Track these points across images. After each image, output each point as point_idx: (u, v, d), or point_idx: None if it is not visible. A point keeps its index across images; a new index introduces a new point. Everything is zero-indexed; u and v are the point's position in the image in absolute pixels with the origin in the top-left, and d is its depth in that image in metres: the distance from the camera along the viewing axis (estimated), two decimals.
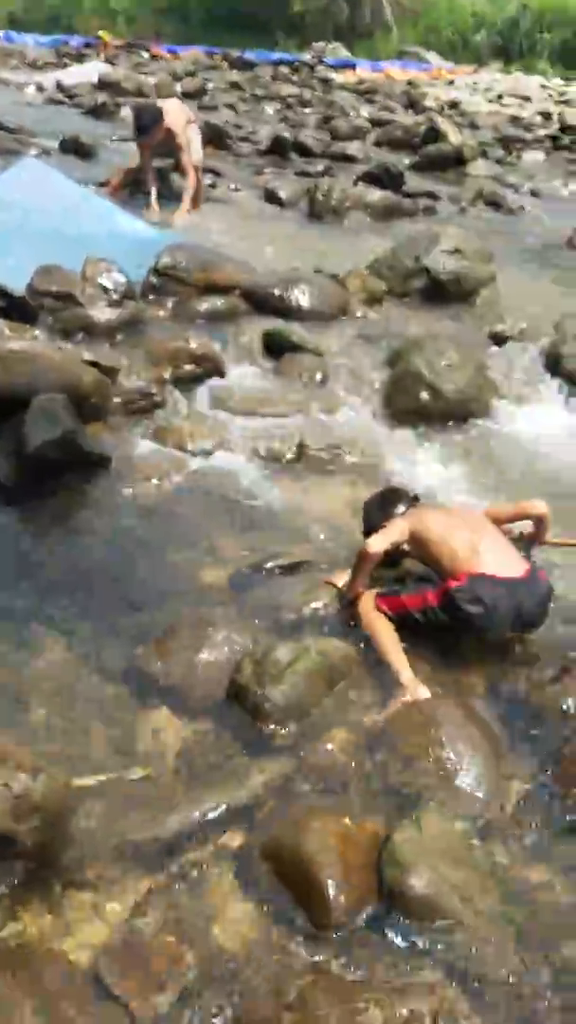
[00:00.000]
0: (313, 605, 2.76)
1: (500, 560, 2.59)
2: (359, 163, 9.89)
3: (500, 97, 18.44)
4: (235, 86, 16.16)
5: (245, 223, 7.06)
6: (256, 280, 5.09)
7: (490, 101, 17.78)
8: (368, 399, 4.29)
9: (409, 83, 19.16)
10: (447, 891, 1.87)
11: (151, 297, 4.84)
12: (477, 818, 2.11)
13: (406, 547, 2.76)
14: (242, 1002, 1.68)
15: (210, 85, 15.23)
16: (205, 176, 7.53)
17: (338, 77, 19.33)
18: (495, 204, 8.87)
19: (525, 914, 1.90)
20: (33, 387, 3.32)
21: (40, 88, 13.52)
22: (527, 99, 18.36)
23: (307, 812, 2.04)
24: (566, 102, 18.16)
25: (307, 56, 23.01)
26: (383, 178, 8.49)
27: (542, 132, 14.21)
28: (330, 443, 3.82)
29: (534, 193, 9.89)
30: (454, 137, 10.66)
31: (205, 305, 4.84)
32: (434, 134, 10.74)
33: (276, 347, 4.52)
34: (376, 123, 12.78)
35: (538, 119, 15.73)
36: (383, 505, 2.91)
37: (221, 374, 4.24)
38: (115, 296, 4.45)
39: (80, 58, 18.35)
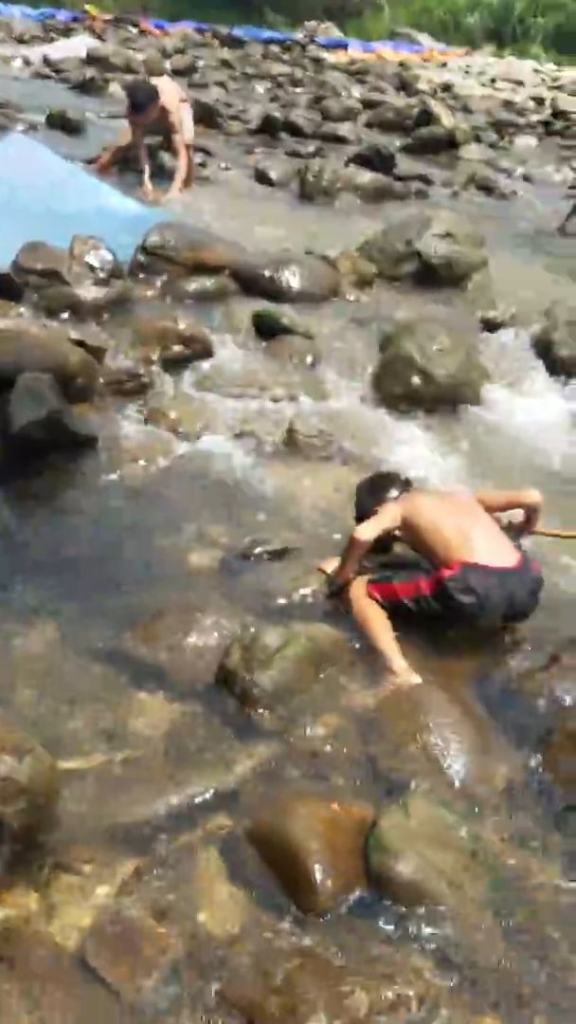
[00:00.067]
0: (302, 591, 2.75)
1: (493, 549, 2.58)
2: (350, 144, 9.79)
3: (493, 81, 18.32)
4: (225, 64, 15.93)
5: (235, 203, 6.97)
6: (246, 260, 5.03)
7: (483, 85, 17.66)
8: (359, 383, 4.26)
9: (401, 64, 18.97)
10: (433, 876, 1.88)
11: (139, 276, 4.78)
12: (464, 804, 2.12)
13: (397, 533, 2.75)
14: (228, 985, 1.68)
15: (200, 63, 15.00)
16: (195, 155, 7.42)
17: (330, 57, 19.13)
18: (487, 189, 8.83)
19: (511, 899, 1.91)
20: (18, 366, 3.27)
21: (27, 62, 13.25)
22: (520, 83, 18.25)
23: (294, 797, 2.04)
24: (559, 87, 18.07)
25: (299, 35, 22.72)
26: (374, 160, 8.41)
27: (535, 117, 14.15)
28: (320, 427, 3.79)
29: (526, 178, 9.85)
30: (447, 120, 10.58)
31: (194, 285, 4.78)
32: (426, 117, 10.65)
33: (266, 329, 4.47)
34: (368, 104, 12.65)
35: (531, 104, 15.66)
36: (375, 489, 2.89)
37: (210, 355, 4.20)
38: (102, 274, 4.38)
39: (67, 32, 17.99)
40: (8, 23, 17.78)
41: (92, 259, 4.41)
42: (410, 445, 3.86)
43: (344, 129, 10.46)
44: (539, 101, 15.95)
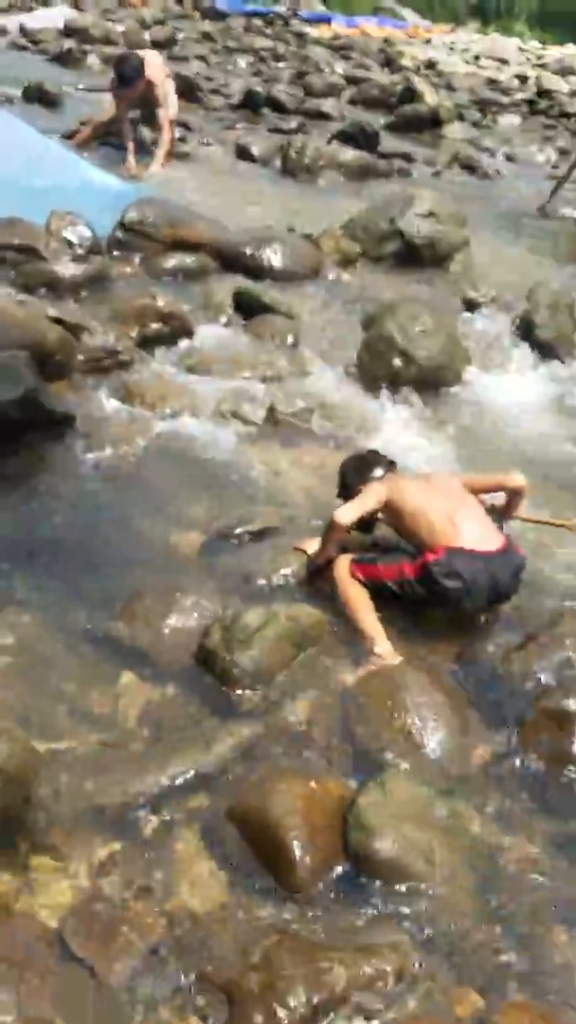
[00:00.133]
0: (283, 571, 2.74)
1: (477, 533, 2.58)
2: (333, 121, 9.67)
3: (477, 58, 18.13)
4: (206, 37, 15.62)
5: (216, 179, 6.87)
6: (227, 238, 4.97)
7: (467, 62, 17.47)
8: (340, 363, 4.23)
9: (385, 41, 18.73)
10: (412, 853, 1.89)
11: (117, 253, 4.70)
12: (442, 781, 2.13)
13: (379, 516, 2.73)
14: (207, 963, 1.68)
15: (180, 35, 14.70)
16: (176, 130, 7.29)
17: (313, 32, 18.82)
18: (470, 168, 8.76)
19: (489, 875, 1.93)
20: None
21: (3, 32, 12.94)
22: (504, 62, 18.07)
23: (274, 775, 2.04)
24: (543, 66, 17.92)
25: (281, 8, 22.34)
26: (358, 137, 8.31)
27: (519, 96, 14.02)
28: (301, 407, 3.77)
29: (509, 158, 9.79)
30: (431, 98, 10.46)
31: (173, 262, 4.72)
32: (410, 94, 10.53)
33: (246, 308, 4.43)
34: (351, 80, 12.48)
35: (515, 83, 15.52)
36: (360, 468, 2.86)
37: (189, 334, 4.15)
38: (80, 251, 4.32)
39: (45, 1, 17.58)
40: None
41: (70, 235, 4.35)
42: (392, 426, 3.85)
43: (327, 105, 10.32)
44: (523, 79, 15.81)
